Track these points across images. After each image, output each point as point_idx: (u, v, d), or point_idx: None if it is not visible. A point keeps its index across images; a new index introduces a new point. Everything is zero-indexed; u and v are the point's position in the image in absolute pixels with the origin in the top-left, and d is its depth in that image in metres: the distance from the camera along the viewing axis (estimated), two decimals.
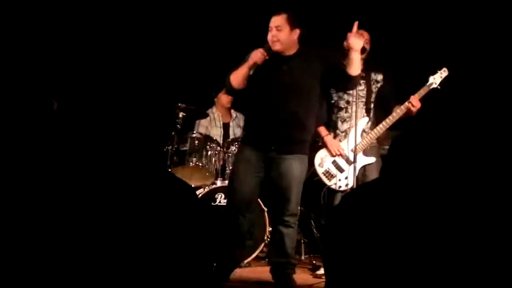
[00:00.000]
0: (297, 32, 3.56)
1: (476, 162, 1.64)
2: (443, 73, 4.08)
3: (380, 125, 4.07)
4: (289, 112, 3.53)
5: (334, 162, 4.11)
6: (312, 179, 4.10)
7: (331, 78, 3.67)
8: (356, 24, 3.57)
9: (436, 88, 4.06)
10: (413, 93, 4.04)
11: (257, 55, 3.52)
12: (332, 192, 4.10)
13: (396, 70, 4.45)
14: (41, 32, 4.83)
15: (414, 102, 3.99)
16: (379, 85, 4.19)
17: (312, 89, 3.63)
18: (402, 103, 4.03)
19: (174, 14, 5.45)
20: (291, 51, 3.60)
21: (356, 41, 3.55)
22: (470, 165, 1.64)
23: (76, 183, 1.71)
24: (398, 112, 4.03)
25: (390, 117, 4.04)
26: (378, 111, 4.20)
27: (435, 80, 4.07)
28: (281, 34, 3.52)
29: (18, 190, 1.68)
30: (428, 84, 4.07)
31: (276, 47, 3.54)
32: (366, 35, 4.07)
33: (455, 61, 4.28)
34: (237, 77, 3.60)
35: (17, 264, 1.60)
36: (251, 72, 3.55)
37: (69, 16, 5.01)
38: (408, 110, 3.99)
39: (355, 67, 3.60)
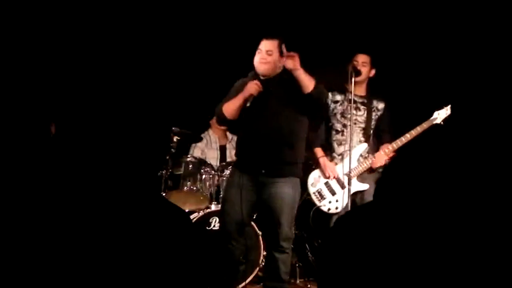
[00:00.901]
0: (284, 59, 3.54)
1: (470, 187, 1.66)
2: (449, 110, 4.06)
3: (364, 163, 4.10)
4: (276, 133, 3.52)
5: (326, 184, 4.12)
6: (305, 201, 4.11)
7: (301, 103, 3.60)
8: (283, 46, 3.50)
9: (440, 124, 4.04)
10: (418, 125, 4.04)
11: (253, 87, 3.50)
12: (326, 214, 4.11)
13: (399, 102, 4.45)
14: (39, 56, 4.86)
15: (377, 161, 4.01)
16: (379, 113, 4.20)
17: (297, 109, 3.59)
18: (395, 138, 4.07)
19: (167, 40, 5.49)
20: (274, 73, 3.61)
21: (289, 62, 3.47)
22: (464, 189, 1.65)
23: (70, 207, 1.71)
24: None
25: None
26: (375, 140, 4.22)
27: (440, 115, 4.05)
28: (270, 58, 3.54)
29: (14, 212, 1.68)
30: (431, 118, 4.06)
31: (262, 68, 3.56)
32: (364, 57, 4.11)
33: (458, 96, 4.28)
34: (232, 109, 3.59)
35: None
36: (248, 104, 3.54)
37: (67, 41, 5.05)
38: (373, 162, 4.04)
39: (304, 84, 3.49)
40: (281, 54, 3.53)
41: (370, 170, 4.09)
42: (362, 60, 4.10)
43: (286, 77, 3.58)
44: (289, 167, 3.58)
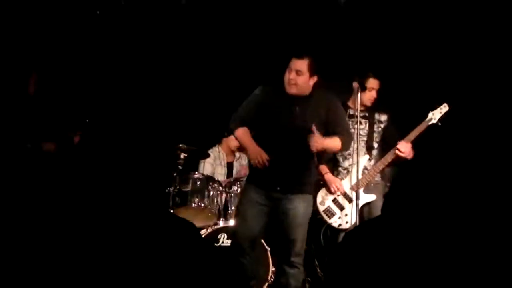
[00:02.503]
0: (314, 78, 3.57)
1: (477, 201, 1.66)
2: (443, 109, 4.07)
3: (373, 167, 4.09)
4: (296, 154, 3.54)
5: (334, 200, 4.12)
6: (315, 217, 4.10)
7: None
8: None
9: (436, 124, 4.05)
10: (414, 128, 4.05)
11: (257, 160, 3.51)
12: (335, 230, 4.10)
13: (400, 107, 4.45)
14: (56, 75, 4.95)
15: (402, 148, 3.98)
16: (382, 125, 4.20)
17: (319, 132, 3.58)
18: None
19: (175, 56, 5.54)
20: (303, 94, 3.61)
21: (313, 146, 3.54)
22: (474, 201, 1.65)
23: (80, 224, 1.72)
24: (386, 159, 4.05)
25: (381, 162, 4.08)
26: (382, 152, 4.21)
27: (434, 115, 4.05)
28: (300, 79, 3.54)
29: (26, 223, 1.69)
30: (427, 120, 4.06)
31: (292, 90, 3.56)
32: (374, 83, 4.13)
33: (456, 98, 4.27)
34: (240, 143, 3.83)
35: None
36: None
37: (84, 61, 5.15)
38: (398, 156, 4.00)
39: (334, 150, 3.80)
40: (311, 74, 3.54)
41: (389, 164, 4.09)
42: (370, 86, 4.13)
43: (314, 99, 3.60)
44: (304, 186, 3.62)
